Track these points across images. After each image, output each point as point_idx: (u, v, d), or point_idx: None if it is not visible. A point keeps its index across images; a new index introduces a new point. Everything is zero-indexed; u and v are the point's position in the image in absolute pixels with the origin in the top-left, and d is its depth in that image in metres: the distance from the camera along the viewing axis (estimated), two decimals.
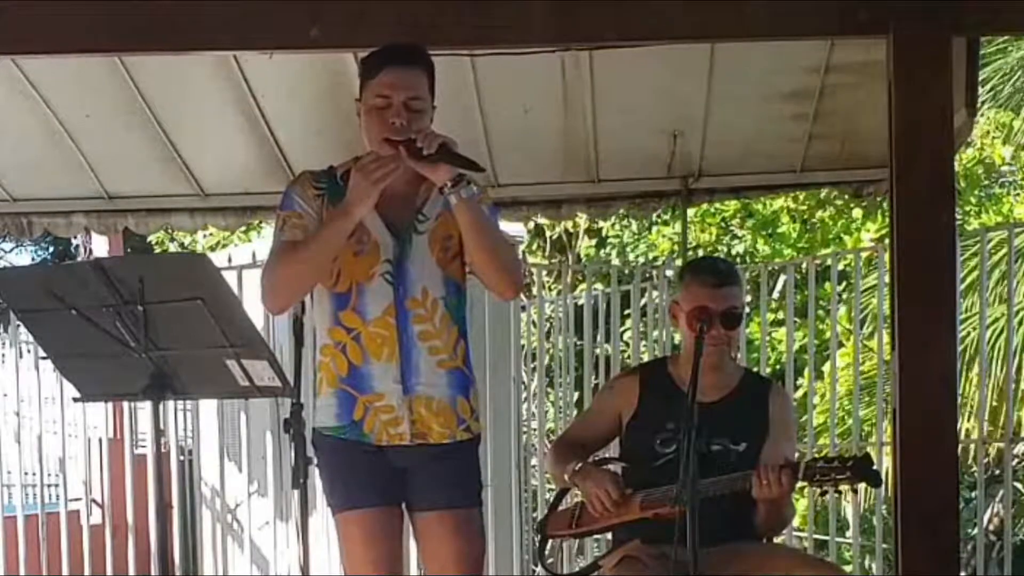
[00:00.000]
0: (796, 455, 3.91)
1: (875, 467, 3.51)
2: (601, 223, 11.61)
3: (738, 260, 10.58)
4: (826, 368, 7.98)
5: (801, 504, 7.46)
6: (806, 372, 7.51)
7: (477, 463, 3.45)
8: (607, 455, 4.06)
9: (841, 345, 7.51)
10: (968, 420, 7.60)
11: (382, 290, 3.27)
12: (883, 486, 4.56)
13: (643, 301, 6.81)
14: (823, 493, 3.64)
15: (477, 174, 3.29)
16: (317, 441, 3.36)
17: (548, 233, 11.49)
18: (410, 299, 3.27)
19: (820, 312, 8.35)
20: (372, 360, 3.28)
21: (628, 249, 11.68)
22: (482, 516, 3.43)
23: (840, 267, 7.49)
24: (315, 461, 3.27)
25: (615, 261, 11.38)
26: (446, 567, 3.34)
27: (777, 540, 3.97)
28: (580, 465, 3.72)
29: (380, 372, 3.28)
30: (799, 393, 7.06)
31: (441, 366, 3.31)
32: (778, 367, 8.38)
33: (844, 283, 8.35)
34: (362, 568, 3.30)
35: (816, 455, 6.46)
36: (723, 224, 11.22)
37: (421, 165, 3.18)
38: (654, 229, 11.41)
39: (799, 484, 3.48)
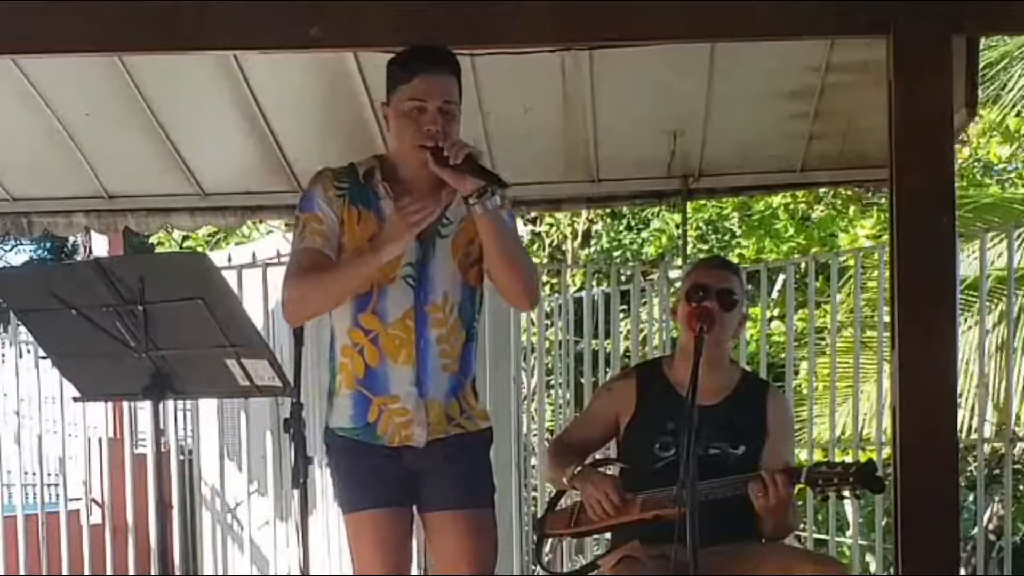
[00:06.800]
0: (795, 457, 3.90)
1: (878, 473, 3.51)
2: (599, 224, 11.63)
3: (736, 258, 10.58)
4: (826, 367, 7.96)
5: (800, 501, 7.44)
6: (802, 369, 7.50)
7: (489, 464, 3.45)
8: (606, 455, 4.06)
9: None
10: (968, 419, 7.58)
11: (403, 293, 3.27)
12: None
13: (642, 300, 6.81)
14: (824, 499, 3.64)
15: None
16: (330, 441, 3.36)
17: (547, 240, 11.50)
18: (430, 304, 3.28)
19: (819, 312, 8.32)
20: (389, 362, 3.28)
21: (626, 247, 11.67)
22: (494, 517, 3.41)
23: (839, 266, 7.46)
24: (322, 461, 3.27)
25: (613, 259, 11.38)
26: (457, 567, 3.34)
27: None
28: (580, 468, 3.72)
29: (396, 374, 3.28)
30: (797, 398, 7.04)
31: (445, 370, 3.31)
32: (779, 366, 8.36)
33: (843, 279, 8.33)
34: (371, 569, 3.30)
35: (817, 458, 6.49)
36: (720, 220, 11.21)
37: (447, 173, 3.17)
38: (652, 224, 11.42)
39: (801, 486, 3.48)
